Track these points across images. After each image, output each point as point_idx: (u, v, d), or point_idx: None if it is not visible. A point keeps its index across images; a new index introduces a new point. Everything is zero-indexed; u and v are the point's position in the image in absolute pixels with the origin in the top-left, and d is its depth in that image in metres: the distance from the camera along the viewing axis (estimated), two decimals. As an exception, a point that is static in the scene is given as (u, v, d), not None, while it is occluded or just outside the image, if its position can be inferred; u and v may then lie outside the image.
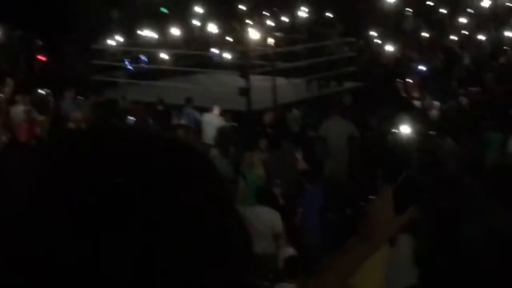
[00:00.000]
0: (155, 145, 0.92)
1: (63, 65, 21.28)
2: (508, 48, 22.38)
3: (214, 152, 13.36)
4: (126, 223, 0.84)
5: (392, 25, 27.32)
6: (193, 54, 23.07)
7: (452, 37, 24.30)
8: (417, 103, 17.50)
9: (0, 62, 20.61)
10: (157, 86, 19.48)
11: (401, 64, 21.49)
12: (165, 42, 24.08)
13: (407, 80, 19.00)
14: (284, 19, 27.44)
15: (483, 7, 27.89)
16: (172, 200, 0.87)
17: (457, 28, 25.35)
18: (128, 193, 0.85)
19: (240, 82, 17.68)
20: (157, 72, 21.14)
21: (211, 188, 0.92)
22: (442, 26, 26.33)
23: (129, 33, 24.37)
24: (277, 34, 22.39)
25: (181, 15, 26.23)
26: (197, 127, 15.32)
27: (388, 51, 22.06)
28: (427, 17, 27.67)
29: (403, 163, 13.15)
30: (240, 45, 20.87)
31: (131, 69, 21.87)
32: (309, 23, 26.46)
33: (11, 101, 16.15)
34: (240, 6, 28.80)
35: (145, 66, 22.10)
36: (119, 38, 23.77)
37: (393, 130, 14.56)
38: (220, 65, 21.86)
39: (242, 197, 10.10)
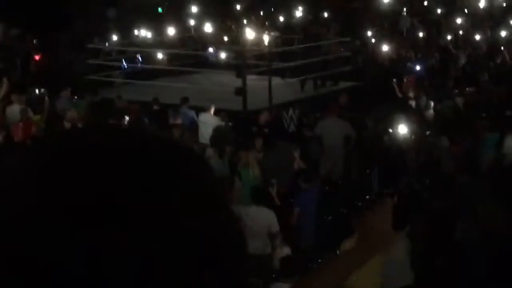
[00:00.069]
0: (151, 145, 0.92)
1: (58, 64, 21.27)
2: (504, 48, 22.43)
3: (209, 151, 13.35)
4: (125, 223, 0.83)
5: (388, 25, 27.37)
6: (189, 54, 23.07)
7: (448, 37, 24.35)
8: (413, 102, 17.52)
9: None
10: (153, 85, 19.47)
11: (397, 64, 21.52)
12: (161, 42, 24.08)
13: (403, 79, 19.03)
14: (280, 18, 27.46)
15: (478, 7, 27.93)
16: (169, 201, 0.86)
17: (453, 28, 25.40)
18: (126, 193, 0.85)
19: (236, 82, 17.68)
20: (153, 72, 21.14)
21: (207, 189, 0.92)
22: (438, 26, 26.38)
23: (125, 33, 24.37)
24: (273, 34, 22.39)
25: (177, 15, 26.22)
26: (193, 127, 15.31)
27: (384, 51, 22.08)
28: (423, 17, 27.72)
29: (399, 163, 13.17)
30: (236, 45, 20.88)
31: (127, 68, 21.86)
32: (305, 23, 26.51)
33: (7, 101, 16.16)
34: (236, 6, 28.84)
35: (141, 65, 22.08)
36: (115, 38, 23.77)
37: (389, 130, 14.57)
38: (216, 64, 21.86)
39: (238, 197, 10.09)
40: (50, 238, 0.83)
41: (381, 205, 2.27)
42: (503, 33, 23.86)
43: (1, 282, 0.84)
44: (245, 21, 26.79)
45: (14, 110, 15.32)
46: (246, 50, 19.03)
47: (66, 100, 17.27)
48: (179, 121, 15.34)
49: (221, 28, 25.82)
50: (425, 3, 29.50)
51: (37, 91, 17.25)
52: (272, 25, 25.78)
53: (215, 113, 15.61)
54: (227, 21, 27.33)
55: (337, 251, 10.54)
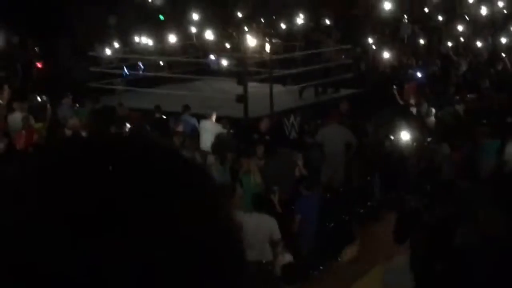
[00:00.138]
0: (152, 153, 0.93)
1: (60, 72, 21.30)
2: (505, 55, 22.45)
3: (211, 159, 13.36)
4: (126, 231, 0.84)
5: (389, 32, 27.40)
6: (190, 61, 23.11)
7: (448, 44, 24.38)
8: (413, 109, 17.53)
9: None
10: (155, 93, 19.49)
11: (398, 71, 21.53)
12: (162, 49, 24.12)
13: (403, 86, 19.05)
14: (282, 26, 27.50)
15: (479, 14, 27.96)
16: (170, 208, 0.87)
17: (453, 35, 25.43)
18: (127, 200, 0.86)
19: (238, 89, 17.70)
20: (155, 79, 21.16)
21: (208, 197, 0.92)
22: (438, 33, 26.41)
23: (126, 40, 24.41)
24: (274, 41, 22.42)
25: (178, 22, 26.26)
26: (195, 134, 15.32)
27: (385, 58, 22.10)
28: (424, 24, 27.75)
29: (400, 170, 13.18)
30: (237, 52, 20.90)
31: (128, 76, 21.89)
32: (306, 30, 26.54)
33: (9, 108, 16.19)
34: (237, 13, 28.88)
35: (142, 73, 22.11)
36: (117, 45, 23.81)
37: (390, 137, 14.59)
38: (218, 72, 21.89)
39: (239, 204, 10.09)
40: (50, 245, 0.83)
41: (382, 219, 2.31)
42: (504, 40, 23.89)
43: None
44: (246, 29, 26.85)
45: (16, 117, 15.34)
46: (247, 57, 19.05)
47: (67, 108, 17.30)
48: (180, 128, 15.35)
49: (222, 36, 25.86)
50: (426, 10, 29.52)
51: (38, 98, 17.27)
52: (274, 32, 25.82)
53: (217, 120, 15.62)
54: (228, 28, 27.38)
55: (339, 258, 10.56)
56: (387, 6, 27.72)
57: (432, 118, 17.00)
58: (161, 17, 28.06)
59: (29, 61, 21.82)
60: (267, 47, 20.06)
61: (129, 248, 0.83)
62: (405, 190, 12.01)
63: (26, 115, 15.13)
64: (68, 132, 14.85)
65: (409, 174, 13.15)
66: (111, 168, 0.88)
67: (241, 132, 15.91)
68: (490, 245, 7.69)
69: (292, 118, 17.78)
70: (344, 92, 20.04)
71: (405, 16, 28.03)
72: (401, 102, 18.06)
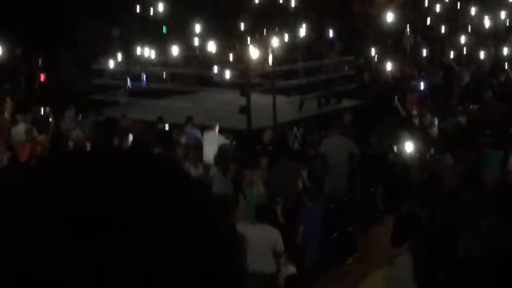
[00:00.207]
0: (154, 162, 0.95)
1: (63, 84, 21.35)
2: (507, 66, 22.47)
3: (213, 170, 13.36)
4: (127, 236, 0.85)
5: (391, 43, 27.43)
6: (193, 73, 23.15)
7: (451, 54, 24.39)
8: (416, 120, 17.54)
9: (0, 81, 20.67)
10: (158, 104, 19.53)
11: (400, 82, 21.54)
12: (165, 61, 24.17)
13: (405, 97, 19.05)
14: (285, 37, 27.52)
15: (482, 25, 27.98)
16: (171, 213, 0.89)
17: (456, 46, 25.44)
18: (128, 204, 0.87)
19: (241, 100, 17.72)
20: (158, 91, 21.20)
21: (204, 208, 0.94)
22: (441, 43, 26.42)
23: (130, 52, 24.46)
24: (277, 52, 22.45)
25: (181, 34, 26.31)
26: (198, 146, 15.33)
27: (388, 68, 22.12)
28: (427, 34, 27.77)
29: (403, 180, 13.16)
30: (240, 63, 20.94)
31: (132, 88, 21.93)
32: (309, 41, 26.58)
33: (12, 121, 16.24)
34: (240, 25, 28.92)
35: (146, 85, 22.15)
36: (120, 57, 23.86)
37: (393, 147, 14.58)
38: (220, 83, 21.92)
39: (242, 215, 10.10)
40: (51, 248, 0.84)
41: (381, 222, 2.33)
42: (506, 51, 23.90)
43: None
44: (249, 40, 26.88)
45: (20, 130, 15.37)
46: (250, 69, 19.08)
47: (70, 120, 17.33)
48: (183, 140, 15.37)
49: (225, 47, 25.90)
50: (428, 21, 29.55)
51: (42, 110, 17.31)
52: (276, 44, 25.85)
53: (220, 132, 15.64)
54: (231, 40, 27.42)
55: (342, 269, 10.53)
56: (390, 17, 27.76)
57: (435, 129, 17.00)
58: (164, 29, 28.12)
59: (32, 73, 21.87)
60: (270, 59, 20.09)
61: (129, 252, 0.84)
62: (408, 201, 12.00)
63: (29, 127, 15.16)
64: (72, 144, 14.88)
65: (412, 184, 13.14)
66: (113, 173, 0.90)
67: (244, 144, 15.92)
68: (493, 255, 7.68)
69: (295, 130, 17.80)
70: (347, 103, 20.05)
71: (408, 27, 28.07)
72: (403, 113, 18.06)
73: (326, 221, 11.29)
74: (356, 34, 27.21)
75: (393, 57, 23.52)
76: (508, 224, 8.31)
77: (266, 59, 20.72)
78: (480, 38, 26.61)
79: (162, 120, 16.92)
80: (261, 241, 9.28)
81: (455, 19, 29.26)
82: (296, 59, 23.08)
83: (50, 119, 16.89)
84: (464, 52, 24.88)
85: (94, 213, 0.86)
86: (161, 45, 24.69)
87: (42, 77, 21.70)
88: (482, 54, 24.02)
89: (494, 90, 19.97)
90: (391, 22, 27.86)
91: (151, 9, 28.62)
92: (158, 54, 24.31)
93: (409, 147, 13.93)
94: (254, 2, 30.79)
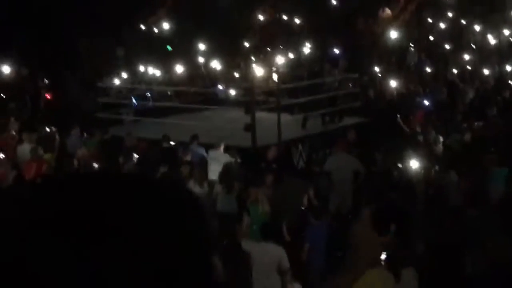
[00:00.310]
0: (155, 182, 1.00)
1: (68, 102, 21.43)
2: (512, 82, 22.53)
3: (218, 188, 13.37)
4: (127, 240, 0.90)
5: (395, 60, 27.49)
6: (198, 91, 23.21)
7: (455, 71, 24.43)
8: (421, 137, 17.55)
9: (6, 100, 20.77)
10: (163, 123, 19.57)
11: (405, 99, 21.57)
12: (170, 79, 24.26)
13: (409, 115, 19.06)
14: (289, 55, 27.61)
15: (486, 42, 28.05)
16: (159, 239, 0.93)
17: (460, 63, 25.49)
18: (128, 214, 0.92)
19: (245, 118, 17.76)
20: (163, 109, 21.26)
21: (192, 229, 0.98)
22: (445, 60, 26.48)
23: (135, 71, 24.56)
24: (282, 70, 22.51)
25: (186, 52, 26.42)
26: (203, 164, 15.35)
27: (392, 86, 22.15)
28: (431, 52, 27.84)
29: (408, 198, 13.15)
30: (245, 81, 20.99)
31: (137, 106, 21.99)
32: (314, 59, 26.66)
33: (18, 140, 16.30)
34: (245, 43, 29.03)
35: (151, 103, 22.21)
36: (125, 76, 23.96)
37: (398, 165, 14.59)
38: (225, 101, 21.98)
39: (246, 233, 10.09)
40: (52, 253, 0.88)
41: (360, 219, 2.37)
42: (510, 68, 23.95)
43: None
44: (253, 58, 26.97)
45: (25, 149, 15.42)
46: (254, 87, 19.13)
47: (76, 138, 17.38)
48: (188, 158, 15.40)
49: (230, 65, 25.99)
50: (432, 38, 29.62)
51: (47, 129, 17.37)
52: (281, 62, 25.93)
53: (225, 150, 15.66)
54: (236, 58, 27.52)
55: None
56: (394, 34, 27.85)
57: (440, 146, 17.01)
58: (169, 47, 28.24)
59: (37, 92, 21.96)
60: (274, 77, 20.15)
61: (125, 259, 0.89)
62: (413, 218, 11.99)
63: (35, 146, 15.21)
64: (77, 163, 14.92)
65: (417, 202, 13.12)
66: (113, 194, 0.95)
67: (249, 161, 15.93)
68: (498, 273, 7.67)
69: (300, 147, 17.82)
70: (351, 120, 20.07)
71: (412, 44, 28.14)
72: (407, 130, 18.07)
73: (331, 239, 11.27)
74: (360, 52, 27.28)
75: (397, 74, 23.57)
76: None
77: (270, 77, 20.78)
78: (483, 55, 26.67)
79: (167, 138, 16.95)
80: (266, 259, 9.28)
81: (459, 36, 29.32)
82: (300, 76, 23.13)
83: (55, 138, 16.94)
84: (468, 69, 24.92)
85: (94, 222, 0.90)
86: (166, 63, 24.79)
87: (48, 96, 21.78)
88: (486, 71, 24.07)
89: (499, 106, 19.98)
90: (395, 39, 27.95)
91: (156, 27, 28.79)
92: (163, 72, 24.41)
93: (414, 164, 13.93)
94: (259, 21, 30.93)
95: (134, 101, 22.12)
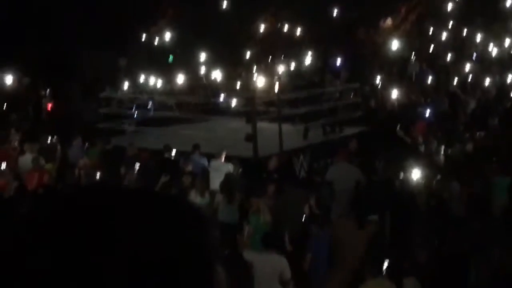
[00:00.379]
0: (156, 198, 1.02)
1: (70, 113, 21.45)
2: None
3: (219, 198, 13.37)
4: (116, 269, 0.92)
5: (396, 71, 27.51)
6: (200, 101, 23.23)
7: (456, 81, 24.45)
8: (422, 147, 17.55)
9: (8, 111, 20.80)
10: (164, 133, 19.59)
11: (406, 109, 21.57)
12: (172, 89, 24.28)
13: (409, 126, 19.05)
14: (290, 65, 27.64)
15: (487, 52, 28.08)
16: (156, 253, 0.95)
17: (461, 73, 25.51)
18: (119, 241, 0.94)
19: (247, 128, 17.77)
20: (164, 119, 21.27)
21: (190, 242, 0.99)
22: (446, 71, 26.50)
23: (136, 81, 24.59)
24: (283, 80, 22.53)
25: (187, 62, 26.46)
26: (205, 174, 15.35)
27: (393, 96, 22.16)
28: (432, 62, 27.86)
29: (410, 208, 13.14)
30: (246, 91, 21.01)
31: (138, 116, 22.01)
32: (315, 69, 26.69)
33: (20, 150, 16.32)
34: (246, 53, 29.07)
35: (152, 113, 22.23)
36: (126, 86, 23.99)
37: (400, 175, 14.58)
38: (227, 111, 21.99)
39: (247, 243, 10.10)
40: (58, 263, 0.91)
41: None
42: (511, 78, 23.97)
43: None
44: (254, 68, 27.01)
45: (27, 159, 15.44)
46: (256, 97, 19.14)
47: (78, 148, 17.39)
48: (190, 168, 15.40)
49: (231, 75, 26.01)
50: (433, 48, 29.65)
51: (49, 139, 17.38)
52: (282, 72, 25.97)
53: (226, 160, 15.66)
54: (237, 68, 27.55)
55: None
56: (395, 44, 27.89)
57: (442, 156, 17.00)
58: (171, 58, 28.29)
59: (39, 103, 21.99)
60: (276, 87, 20.16)
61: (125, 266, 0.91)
62: (415, 228, 11.98)
63: (37, 156, 15.22)
64: (78, 173, 14.93)
65: (419, 212, 13.11)
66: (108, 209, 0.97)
67: (250, 171, 15.93)
68: (502, 282, 7.66)
69: (301, 157, 17.82)
70: (353, 130, 20.07)
71: (413, 55, 28.16)
72: (408, 140, 18.06)
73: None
74: (361, 62, 27.31)
75: (399, 84, 23.59)
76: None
77: (271, 87, 20.79)
78: (485, 65, 26.69)
79: (168, 149, 16.96)
80: (268, 269, 9.26)
81: (461, 46, 29.36)
82: (301, 86, 23.15)
83: (57, 148, 16.95)
84: (469, 79, 24.94)
85: (98, 236, 0.93)
86: (167, 73, 24.83)
87: (49, 106, 21.81)
88: (487, 81, 24.09)
89: (500, 116, 19.98)
90: (397, 49, 27.99)
91: (158, 38, 28.84)
92: (165, 82, 24.44)
93: (415, 174, 13.93)
94: (260, 31, 30.98)
95: (135, 111, 22.14)
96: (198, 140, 17.13)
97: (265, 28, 30.85)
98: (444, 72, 26.26)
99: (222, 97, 23.37)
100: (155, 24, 29.26)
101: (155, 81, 24.34)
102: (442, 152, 17.23)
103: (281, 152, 17.27)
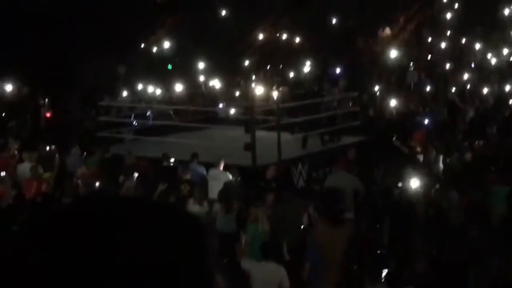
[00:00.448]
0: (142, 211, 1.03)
1: (69, 121, 21.46)
2: (511, 101, 22.56)
3: (217, 207, 13.36)
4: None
5: (395, 80, 27.55)
6: (199, 110, 23.26)
7: (455, 90, 24.48)
8: (420, 157, 17.55)
9: (7, 119, 20.80)
10: (163, 141, 19.59)
11: (405, 118, 21.59)
12: (170, 98, 24.31)
13: (407, 136, 19.05)
14: (289, 74, 27.70)
15: (485, 61, 28.15)
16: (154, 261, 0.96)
17: (460, 82, 25.55)
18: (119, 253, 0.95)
19: (245, 137, 17.77)
20: (163, 128, 21.29)
21: (185, 251, 1.00)
22: (445, 80, 26.54)
23: (135, 90, 24.62)
24: (282, 89, 22.56)
25: (186, 71, 26.50)
26: (203, 183, 15.34)
27: (392, 105, 22.19)
28: (431, 71, 27.91)
29: (409, 217, 13.14)
30: (245, 100, 21.02)
31: (137, 124, 22.02)
32: (313, 78, 26.73)
33: (18, 159, 16.32)
34: (245, 62, 29.12)
35: (151, 122, 22.24)
36: (125, 95, 24.01)
37: (398, 184, 14.57)
38: (225, 120, 22.00)
39: (245, 252, 10.08)
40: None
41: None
42: (509, 87, 24.01)
43: None
44: (253, 77, 27.05)
45: (25, 167, 15.43)
46: (254, 106, 19.16)
47: (76, 157, 17.38)
48: (188, 176, 15.39)
49: (229, 84, 26.05)
50: (431, 57, 29.72)
51: (47, 148, 17.38)
52: (281, 81, 26.02)
53: (225, 169, 15.65)
54: (236, 76, 27.59)
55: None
56: (393, 53, 27.95)
57: (440, 165, 16.99)
58: (169, 66, 28.34)
59: (37, 111, 22.00)
60: (275, 95, 20.18)
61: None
62: (414, 237, 11.97)
63: (35, 165, 15.21)
64: (77, 182, 14.92)
65: (418, 221, 13.10)
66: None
67: (249, 180, 15.92)
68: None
69: (300, 166, 17.82)
70: (351, 139, 20.07)
71: (411, 64, 28.21)
72: (406, 151, 18.04)
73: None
74: (360, 71, 27.35)
75: (397, 93, 23.62)
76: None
77: (270, 96, 20.80)
78: (483, 74, 26.74)
79: (167, 157, 16.96)
80: (267, 278, 9.25)
81: (459, 55, 29.42)
82: (300, 96, 23.17)
83: (55, 157, 16.94)
84: (468, 88, 24.97)
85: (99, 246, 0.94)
86: (166, 82, 24.86)
87: (48, 115, 21.82)
88: (485, 90, 24.13)
89: (499, 125, 20.00)
90: (395, 58, 28.05)
91: (157, 46, 28.90)
92: (163, 91, 24.47)
93: (414, 183, 13.92)
94: (259, 39, 31.05)
95: (134, 119, 22.15)
96: (197, 149, 17.13)
97: (264, 37, 30.92)
98: (442, 81, 26.30)
99: (220, 105, 23.40)
100: (154, 33, 29.32)
101: (154, 90, 24.38)
102: (440, 161, 17.23)
103: (279, 161, 17.27)
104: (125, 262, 0.92)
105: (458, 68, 27.35)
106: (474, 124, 21.05)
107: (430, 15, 32.10)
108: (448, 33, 30.71)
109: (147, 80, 24.77)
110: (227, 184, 14.34)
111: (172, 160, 16.97)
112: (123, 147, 19.16)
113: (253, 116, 18.62)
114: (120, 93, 24.35)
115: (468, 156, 16.98)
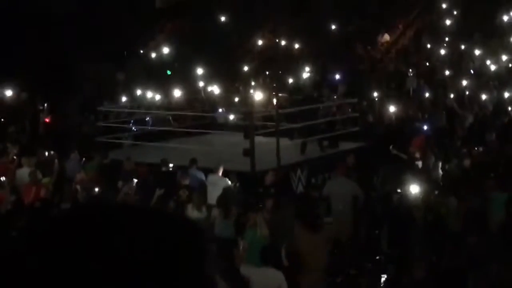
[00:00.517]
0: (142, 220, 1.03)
1: (68, 127, 21.46)
2: (510, 108, 22.57)
3: (215, 212, 13.35)
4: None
5: (394, 86, 27.57)
6: (198, 115, 23.26)
7: (454, 96, 24.50)
8: (419, 163, 17.54)
9: (6, 124, 20.81)
10: (162, 147, 19.59)
11: (404, 124, 21.60)
12: (170, 103, 24.32)
13: (409, 140, 19.06)
14: (288, 80, 27.71)
15: (484, 68, 28.18)
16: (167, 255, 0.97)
17: (459, 88, 25.57)
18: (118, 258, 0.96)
19: (244, 143, 17.77)
20: (162, 133, 21.29)
21: (183, 261, 1.00)
22: (444, 86, 26.56)
23: (134, 95, 24.63)
24: (281, 95, 22.57)
25: (185, 77, 26.52)
26: (202, 188, 15.34)
27: (391, 111, 22.20)
28: (430, 77, 27.93)
29: (408, 223, 13.14)
30: (244, 106, 21.03)
31: (136, 130, 22.02)
32: (313, 84, 26.75)
33: (17, 164, 16.31)
34: (244, 68, 29.14)
35: (150, 127, 22.24)
36: (124, 100, 24.02)
37: (397, 190, 14.57)
38: (225, 126, 22.01)
39: (244, 257, 10.05)
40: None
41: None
42: (507, 94, 24.04)
43: None
44: (252, 83, 27.07)
45: (24, 173, 15.43)
46: (254, 112, 19.16)
47: (75, 162, 17.38)
48: (187, 182, 15.38)
49: (229, 90, 26.07)
50: (430, 63, 29.76)
51: (46, 153, 17.38)
52: (280, 86, 26.03)
53: (224, 174, 15.65)
54: (235, 82, 27.61)
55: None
56: (393, 60, 27.99)
57: (439, 171, 16.99)
58: (168, 72, 28.37)
59: (36, 116, 22.00)
60: (274, 101, 20.18)
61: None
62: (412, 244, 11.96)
63: (34, 170, 15.20)
64: (76, 187, 14.91)
65: (417, 227, 13.10)
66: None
67: (248, 186, 15.92)
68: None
69: (299, 172, 17.81)
70: (350, 145, 20.07)
71: (410, 70, 28.24)
72: (404, 157, 18.04)
73: (331, 264, 11.24)
74: (359, 77, 27.38)
75: (396, 99, 23.63)
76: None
77: (269, 101, 20.80)
78: (482, 80, 26.77)
79: (166, 163, 16.96)
80: (265, 284, 9.23)
81: (458, 62, 29.46)
82: (299, 101, 23.19)
83: (54, 162, 16.94)
84: (467, 94, 24.99)
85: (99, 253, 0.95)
86: (165, 87, 24.87)
87: (47, 120, 21.81)
88: (484, 96, 24.15)
89: (498, 132, 20.00)
90: (394, 64, 28.08)
91: (156, 52, 28.93)
92: (162, 96, 24.48)
93: (413, 189, 13.93)
94: (258, 45, 31.08)
95: (133, 125, 22.15)
96: (196, 155, 17.12)
97: (263, 43, 30.95)
98: (441, 87, 26.32)
99: (220, 111, 23.41)
100: (154, 38, 29.36)
101: (153, 95, 24.39)
102: (439, 168, 17.22)
103: (278, 167, 17.26)
104: (124, 267, 0.93)
105: (457, 74, 27.38)
106: (473, 130, 21.06)
107: (429, 21, 32.17)
108: (447, 39, 30.76)
109: (146, 86, 24.78)
110: (226, 190, 14.34)
111: (171, 165, 16.97)
112: (122, 153, 19.15)
113: (252, 122, 18.62)
114: (119, 99, 24.35)
115: (467, 162, 16.97)
